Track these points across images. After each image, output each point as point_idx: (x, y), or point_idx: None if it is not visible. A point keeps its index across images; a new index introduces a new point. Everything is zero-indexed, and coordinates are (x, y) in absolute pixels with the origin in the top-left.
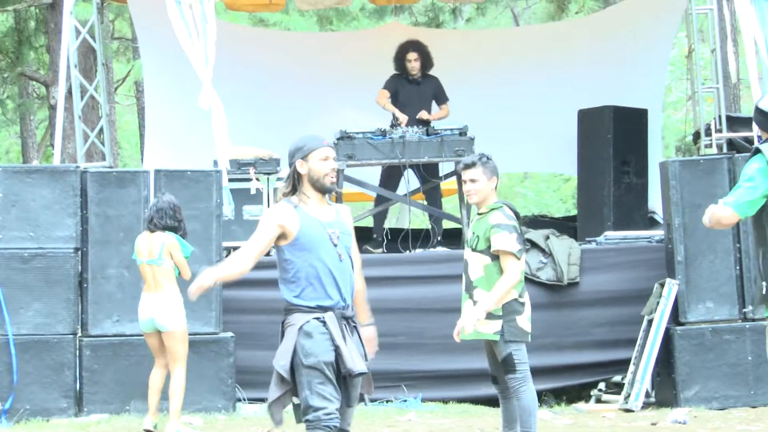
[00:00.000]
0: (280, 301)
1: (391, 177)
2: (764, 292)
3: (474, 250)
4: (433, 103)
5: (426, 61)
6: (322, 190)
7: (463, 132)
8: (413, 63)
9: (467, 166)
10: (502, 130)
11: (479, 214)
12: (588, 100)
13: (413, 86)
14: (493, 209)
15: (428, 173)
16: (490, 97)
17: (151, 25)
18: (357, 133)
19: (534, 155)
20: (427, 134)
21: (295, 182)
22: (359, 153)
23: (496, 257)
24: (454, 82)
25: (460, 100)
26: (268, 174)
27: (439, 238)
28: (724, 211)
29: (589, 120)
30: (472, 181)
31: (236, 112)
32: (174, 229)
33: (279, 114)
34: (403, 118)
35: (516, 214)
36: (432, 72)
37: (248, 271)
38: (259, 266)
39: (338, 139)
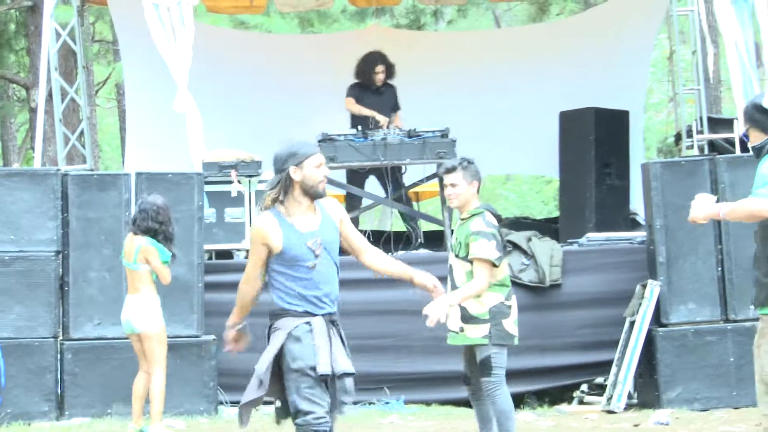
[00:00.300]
0: (263, 303)
1: (355, 181)
2: None
3: (457, 256)
4: None
5: (390, 72)
6: (315, 196)
7: (444, 134)
8: (380, 75)
9: (448, 171)
10: (483, 132)
11: (461, 219)
12: (570, 101)
13: (375, 96)
14: (474, 215)
15: (392, 179)
16: (471, 99)
17: (132, 27)
18: (338, 135)
19: (516, 157)
20: (409, 136)
21: (286, 188)
22: (341, 155)
23: None
24: (435, 84)
25: (442, 102)
26: (250, 176)
27: (420, 241)
28: (763, 204)
29: (570, 122)
30: (453, 185)
31: (217, 114)
32: (155, 232)
33: (260, 116)
34: (384, 119)
35: (498, 218)
36: (415, 74)
37: (260, 291)
38: (239, 268)
39: (319, 141)
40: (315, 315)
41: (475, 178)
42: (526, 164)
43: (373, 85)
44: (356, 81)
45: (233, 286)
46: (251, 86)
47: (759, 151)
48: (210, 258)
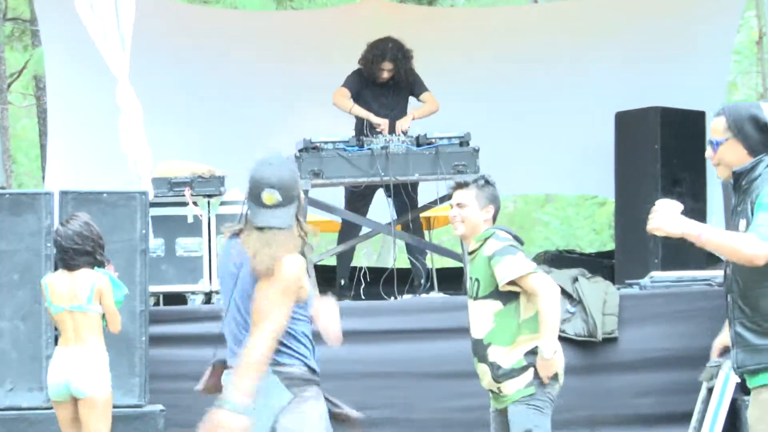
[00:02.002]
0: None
1: (357, 201)
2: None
3: (476, 298)
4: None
5: (401, 69)
6: None
7: (464, 141)
8: (386, 74)
9: (459, 186)
10: (514, 139)
11: (470, 253)
12: (628, 99)
13: (382, 89)
14: (485, 239)
15: (408, 197)
16: (498, 96)
17: (56, 1)
18: (325, 142)
19: (558, 172)
20: (418, 144)
21: (301, 223)
22: (328, 169)
23: (509, 298)
24: (451, 76)
25: (460, 101)
26: (209, 196)
27: (423, 280)
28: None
29: (629, 126)
30: (460, 205)
31: (168, 116)
32: (101, 264)
33: (223, 118)
34: (383, 122)
35: (516, 238)
36: (424, 63)
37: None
38: (195, 317)
39: (300, 150)
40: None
41: (491, 202)
42: (572, 181)
43: (378, 79)
44: (359, 68)
45: (186, 341)
46: (211, 78)
47: (739, 177)
48: (157, 303)
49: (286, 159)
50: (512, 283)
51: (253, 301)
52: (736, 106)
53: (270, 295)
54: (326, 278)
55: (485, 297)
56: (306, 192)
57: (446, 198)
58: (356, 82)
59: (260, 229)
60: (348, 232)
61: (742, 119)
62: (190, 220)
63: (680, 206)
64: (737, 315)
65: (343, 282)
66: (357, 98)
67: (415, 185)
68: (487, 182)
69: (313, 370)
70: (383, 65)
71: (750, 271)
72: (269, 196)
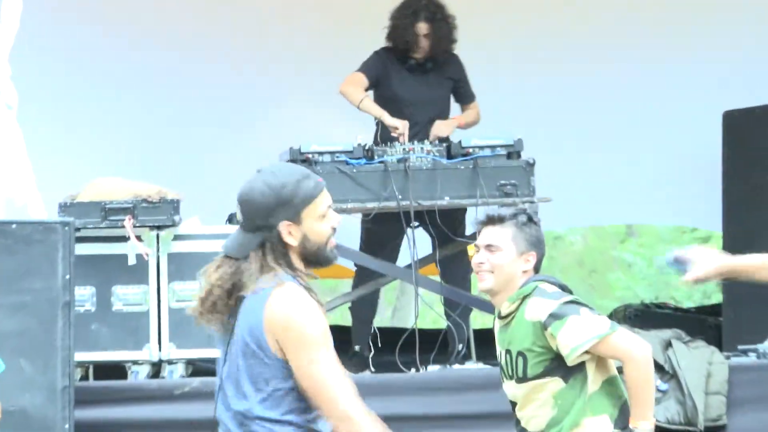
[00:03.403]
0: None
1: (382, 234)
2: None
3: (523, 379)
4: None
5: (444, 36)
6: (324, 263)
7: (514, 151)
8: (422, 41)
9: (490, 221)
10: (582, 148)
11: (501, 318)
12: (739, 95)
13: (417, 74)
14: (523, 298)
15: (448, 226)
16: (558, 90)
17: None
18: (320, 153)
19: (644, 195)
20: (450, 156)
21: (275, 256)
22: (327, 189)
23: (572, 371)
24: (493, 63)
25: (506, 96)
26: (159, 228)
27: (461, 347)
28: None
29: (742, 130)
30: (491, 248)
31: (94, 116)
32: None
33: (177, 119)
34: (401, 124)
35: (564, 288)
36: (461, 44)
37: None
38: (139, 396)
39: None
40: None
41: (534, 247)
42: (662, 208)
43: (410, 54)
44: (386, 45)
45: (128, 429)
46: (154, 64)
47: None
48: (85, 377)
49: (279, 180)
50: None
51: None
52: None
53: (308, 360)
54: (338, 344)
55: (538, 376)
56: None
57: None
58: (378, 64)
59: (226, 257)
60: (364, 278)
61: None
62: (131, 261)
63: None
64: None
65: (358, 348)
66: (378, 86)
67: (454, 212)
68: (530, 219)
69: None
70: (417, 27)
71: None
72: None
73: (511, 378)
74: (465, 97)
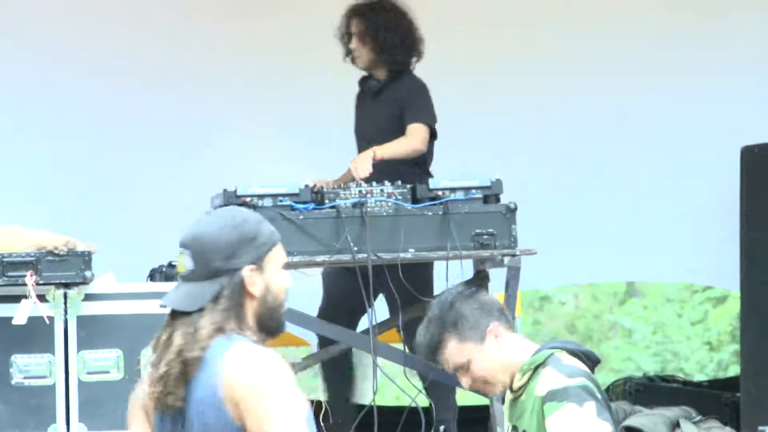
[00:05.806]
0: None
1: (342, 293)
2: None
3: None
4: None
5: (384, 37)
6: (276, 328)
7: (491, 194)
8: (354, 42)
9: (431, 352)
10: (574, 192)
11: (512, 392)
12: (759, 128)
13: (368, 98)
14: (535, 368)
15: (413, 284)
16: (548, 122)
17: None
18: (260, 196)
19: (649, 247)
20: (415, 199)
21: (236, 308)
22: None
23: None
24: (465, 83)
25: (482, 125)
26: (66, 286)
27: (442, 429)
28: None
29: (763, 169)
30: (461, 370)
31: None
32: None
33: (80, 160)
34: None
35: (591, 359)
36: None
37: None
38: None
39: (220, 207)
40: None
41: (482, 320)
42: (669, 262)
43: (370, 73)
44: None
45: None
46: (64, 96)
47: None
48: None
49: (239, 215)
50: None
51: None
52: None
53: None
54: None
55: None
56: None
57: None
58: (358, 93)
59: (172, 315)
60: (326, 341)
61: None
62: (19, 321)
63: None
64: None
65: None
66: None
67: (421, 267)
68: (452, 306)
69: None
70: (351, 24)
71: None
72: (180, 261)
73: None
74: (408, 108)
